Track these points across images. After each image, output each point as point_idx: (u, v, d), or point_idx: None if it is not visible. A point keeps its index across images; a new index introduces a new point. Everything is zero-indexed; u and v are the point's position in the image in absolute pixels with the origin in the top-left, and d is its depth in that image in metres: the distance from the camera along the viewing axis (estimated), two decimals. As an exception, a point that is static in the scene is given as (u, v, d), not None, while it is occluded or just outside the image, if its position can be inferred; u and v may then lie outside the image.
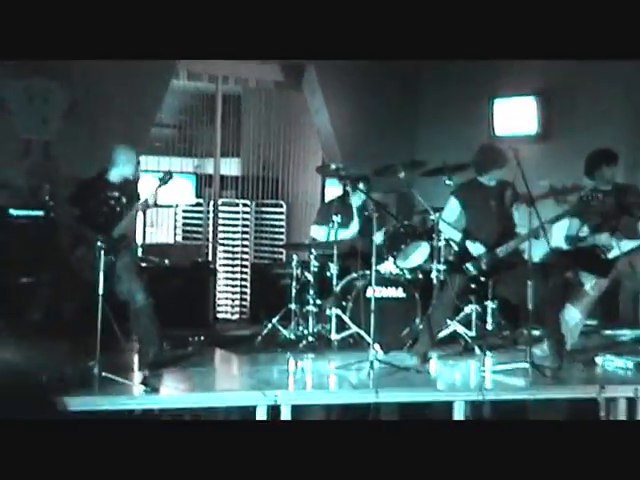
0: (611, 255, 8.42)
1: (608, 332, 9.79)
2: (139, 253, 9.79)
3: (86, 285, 7.46)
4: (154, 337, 7.88)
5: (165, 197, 11.11)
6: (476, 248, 8.20)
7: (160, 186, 7.64)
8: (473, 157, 8.56)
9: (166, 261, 10.65)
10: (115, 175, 7.84)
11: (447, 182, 9.16)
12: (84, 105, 11.04)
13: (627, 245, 8.43)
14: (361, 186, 9.30)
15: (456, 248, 8.58)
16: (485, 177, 8.37)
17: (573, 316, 8.62)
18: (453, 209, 8.49)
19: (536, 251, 8.17)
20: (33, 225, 9.74)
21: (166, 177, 7.66)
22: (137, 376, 7.37)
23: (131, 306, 7.71)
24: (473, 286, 8.61)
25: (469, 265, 8.24)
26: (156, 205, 8.10)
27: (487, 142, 9.41)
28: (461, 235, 8.36)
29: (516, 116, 11.54)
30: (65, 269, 7.71)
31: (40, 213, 9.64)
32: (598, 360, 8.50)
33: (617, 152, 8.70)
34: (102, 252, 7.18)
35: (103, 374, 6.89)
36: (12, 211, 9.91)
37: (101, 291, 7.02)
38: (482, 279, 8.45)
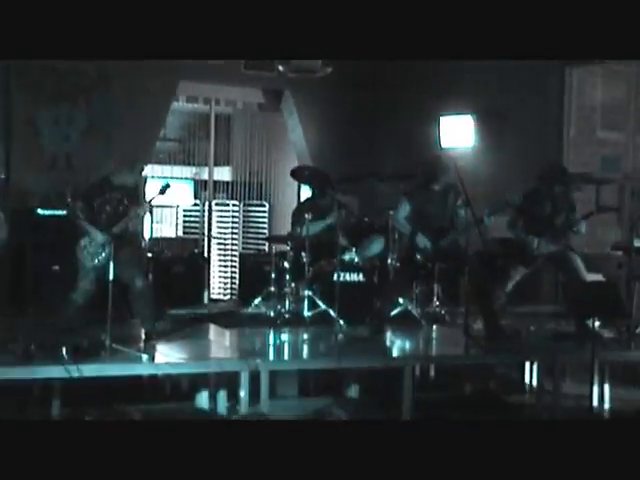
0: (535, 253, 8.43)
1: (531, 308, 9.80)
2: (143, 245, 9.67)
3: (88, 271, 7.45)
4: (150, 315, 7.80)
5: (169, 199, 11.10)
6: (423, 241, 8.20)
7: (156, 196, 7.59)
8: (420, 170, 8.56)
9: (166, 251, 10.63)
10: (118, 180, 7.76)
11: (400, 187, 9.18)
12: (100, 124, 11.03)
13: (549, 248, 8.44)
14: (328, 190, 9.27)
15: (407, 241, 8.58)
16: (432, 184, 8.36)
17: (502, 295, 8.61)
18: (405, 209, 8.47)
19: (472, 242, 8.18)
20: (58, 222, 9.69)
21: (164, 188, 7.59)
22: (140, 346, 7.32)
23: (131, 289, 7.62)
24: (422, 272, 8.60)
25: (418, 255, 8.24)
26: (151, 210, 7.99)
27: (429, 157, 9.34)
28: (411, 230, 8.35)
29: (458, 131, 11.51)
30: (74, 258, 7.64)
31: (63, 212, 9.58)
32: (523, 331, 8.52)
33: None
34: (110, 244, 7.19)
35: (113, 345, 6.84)
36: (40, 211, 9.90)
37: (111, 277, 6.98)
38: (428, 266, 8.45)
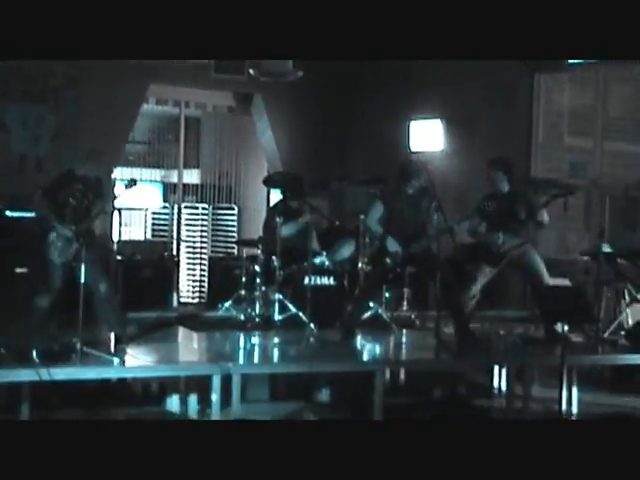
0: (501, 249, 8.43)
1: (500, 312, 9.85)
2: (112, 248, 9.59)
3: (56, 269, 7.39)
4: (116, 319, 7.73)
5: (137, 201, 11.04)
6: (393, 245, 8.20)
7: (123, 192, 7.58)
8: (394, 173, 8.57)
9: (135, 254, 10.56)
10: (80, 172, 7.68)
11: (371, 191, 9.21)
12: (69, 126, 10.97)
13: (513, 241, 8.44)
14: (299, 193, 9.28)
15: (377, 245, 8.58)
16: (405, 187, 8.36)
17: (470, 299, 8.62)
18: (377, 210, 8.45)
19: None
20: (26, 224, 9.62)
21: (130, 183, 7.57)
22: (111, 350, 7.25)
23: (95, 294, 7.53)
24: (391, 276, 8.63)
25: (387, 259, 8.24)
26: (120, 210, 7.93)
27: (403, 160, 9.38)
28: (381, 234, 8.35)
29: (427, 135, 11.59)
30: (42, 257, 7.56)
31: (32, 214, 9.50)
32: (493, 336, 8.55)
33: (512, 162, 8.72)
34: (77, 241, 7.13)
35: (83, 348, 6.78)
36: (8, 212, 9.83)
37: (83, 279, 6.91)
38: (398, 270, 8.47)
